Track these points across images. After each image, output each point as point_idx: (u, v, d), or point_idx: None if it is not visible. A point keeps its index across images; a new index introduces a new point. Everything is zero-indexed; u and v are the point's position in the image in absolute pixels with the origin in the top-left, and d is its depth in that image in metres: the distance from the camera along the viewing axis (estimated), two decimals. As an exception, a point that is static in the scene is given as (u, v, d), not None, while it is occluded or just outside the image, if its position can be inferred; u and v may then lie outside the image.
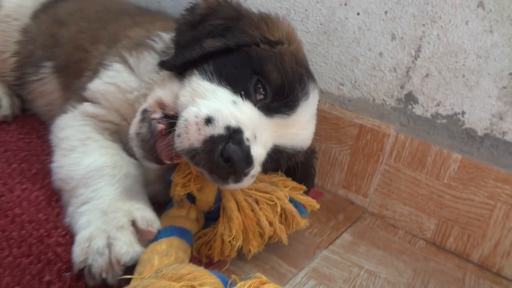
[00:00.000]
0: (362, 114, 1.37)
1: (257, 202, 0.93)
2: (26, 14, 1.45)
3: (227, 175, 0.81)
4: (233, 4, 1.04)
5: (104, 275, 0.73)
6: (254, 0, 1.57)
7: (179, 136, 0.80)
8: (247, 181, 0.85)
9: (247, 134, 0.81)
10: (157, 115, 0.88)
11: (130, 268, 0.75)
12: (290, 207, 0.95)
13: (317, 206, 1.03)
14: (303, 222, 0.99)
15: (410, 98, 1.31)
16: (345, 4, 1.37)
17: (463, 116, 1.24)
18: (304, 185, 1.07)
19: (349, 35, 1.38)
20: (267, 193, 0.94)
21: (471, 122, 1.23)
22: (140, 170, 1.00)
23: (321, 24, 1.44)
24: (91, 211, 0.85)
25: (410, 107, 1.32)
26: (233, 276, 0.71)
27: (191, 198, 0.93)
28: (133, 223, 0.83)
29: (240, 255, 0.94)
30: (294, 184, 1.03)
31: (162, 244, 0.77)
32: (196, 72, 0.91)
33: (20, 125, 1.37)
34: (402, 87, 1.32)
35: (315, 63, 1.47)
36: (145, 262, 0.71)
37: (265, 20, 1.00)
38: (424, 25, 1.24)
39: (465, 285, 1.10)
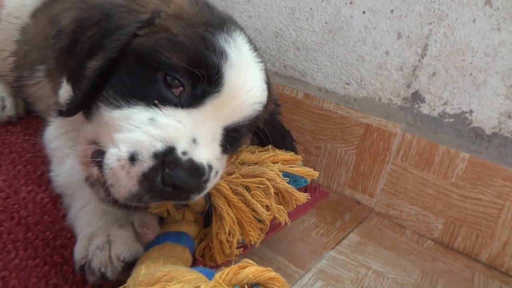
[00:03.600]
0: (368, 113, 1.36)
1: (247, 189, 0.87)
2: (26, 12, 1.42)
3: (185, 196, 0.73)
4: (95, 3, 0.83)
5: (103, 270, 0.72)
6: (257, 0, 1.56)
7: (112, 186, 0.71)
8: (212, 183, 0.78)
9: (181, 147, 0.71)
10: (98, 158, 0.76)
11: (129, 265, 0.75)
12: (284, 185, 0.88)
13: (316, 174, 0.96)
14: (302, 197, 0.91)
15: (417, 97, 1.30)
16: (351, 3, 1.36)
17: (470, 115, 1.22)
18: (283, 146, 0.98)
19: (354, 34, 1.37)
20: (256, 176, 0.87)
21: (478, 121, 1.22)
22: None
23: (326, 23, 1.43)
24: (92, 213, 0.84)
25: (417, 106, 1.30)
26: (223, 268, 0.67)
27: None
28: (132, 225, 0.82)
29: (248, 255, 0.93)
30: (285, 156, 0.95)
31: (153, 252, 0.75)
32: (101, 104, 0.78)
33: (25, 126, 1.37)
34: (408, 86, 1.31)
35: (320, 63, 1.46)
36: (133, 273, 0.69)
37: None
38: (431, 23, 1.23)
39: (474, 285, 1.09)
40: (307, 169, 0.94)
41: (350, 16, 1.37)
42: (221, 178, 0.86)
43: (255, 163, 0.91)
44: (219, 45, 0.76)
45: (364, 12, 1.34)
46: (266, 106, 0.89)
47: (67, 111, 0.82)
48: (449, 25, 1.20)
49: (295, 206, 0.91)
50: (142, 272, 0.66)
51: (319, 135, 1.46)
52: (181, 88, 0.76)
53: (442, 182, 1.25)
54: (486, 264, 1.20)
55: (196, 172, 0.71)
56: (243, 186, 0.86)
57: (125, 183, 0.70)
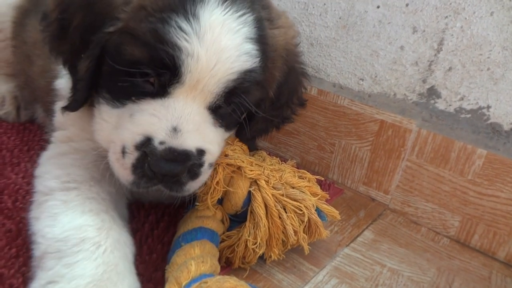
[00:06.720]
0: (383, 109, 1.35)
1: (284, 209, 0.91)
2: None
3: (178, 180, 0.79)
4: None
5: None
6: (271, -5, 1.55)
7: (118, 176, 0.82)
8: (207, 165, 0.83)
9: (158, 138, 0.76)
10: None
11: None
12: (315, 217, 0.94)
13: (338, 217, 1.02)
14: (325, 233, 0.97)
15: (433, 92, 1.28)
16: (365, -3, 1.34)
17: (488, 110, 1.20)
18: (298, 89, 1.08)
19: (369, 29, 1.35)
20: (296, 201, 0.92)
21: (496, 116, 1.19)
22: (131, 237, 0.84)
23: (340, 18, 1.41)
24: None
25: (432, 101, 1.28)
26: None
27: (218, 199, 0.93)
28: None
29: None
30: (321, 192, 1.01)
31: (196, 248, 0.77)
32: (100, 100, 0.84)
33: (43, 125, 1.39)
34: (424, 81, 1.29)
35: (334, 58, 1.45)
36: (181, 266, 0.71)
37: None
38: (447, 17, 1.21)
39: (491, 284, 1.07)
40: (334, 210, 1.00)
41: (364, 11, 1.35)
42: (269, 188, 0.90)
43: (293, 187, 0.95)
44: (171, 36, 0.73)
45: (378, 7, 1.32)
46: (264, 62, 0.84)
47: (71, 108, 0.87)
48: (465, 18, 1.18)
49: (315, 239, 0.97)
50: (192, 269, 0.70)
51: (333, 132, 1.45)
52: (152, 78, 0.78)
53: (459, 179, 1.23)
54: (504, 262, 1.18)
55: (177, 158, 0.76)
56: (282, 204, 0.91)
57: (122, 173, 0.79)
